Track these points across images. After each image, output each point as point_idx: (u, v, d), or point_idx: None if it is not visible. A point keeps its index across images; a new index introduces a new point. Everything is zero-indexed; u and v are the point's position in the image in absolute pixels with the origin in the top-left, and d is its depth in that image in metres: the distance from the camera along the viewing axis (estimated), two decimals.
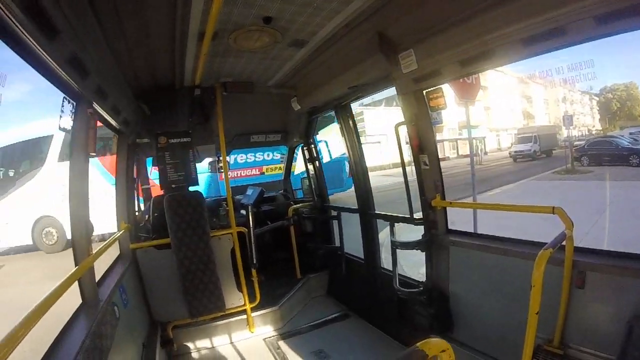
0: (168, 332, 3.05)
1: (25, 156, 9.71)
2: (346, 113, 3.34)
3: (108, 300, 1.99)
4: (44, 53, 1.29)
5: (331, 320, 3.36)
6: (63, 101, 1.76)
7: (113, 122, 2.58)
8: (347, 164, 11.48)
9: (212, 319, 3.15)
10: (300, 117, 3.83)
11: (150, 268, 3.05)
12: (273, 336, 3.21)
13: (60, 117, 1.77)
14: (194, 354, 3.10)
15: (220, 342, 3.18)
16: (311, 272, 3.91)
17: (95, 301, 1.90)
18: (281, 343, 3.08)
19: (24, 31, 1.13)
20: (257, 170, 10.36)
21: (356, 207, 3.42)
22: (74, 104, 1.81)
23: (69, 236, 8.74)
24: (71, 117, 1.82)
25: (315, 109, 3.65)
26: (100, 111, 2.12)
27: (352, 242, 3.61)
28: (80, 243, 1.88)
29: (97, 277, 2.09)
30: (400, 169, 2.78)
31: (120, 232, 2.88)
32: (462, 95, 5.54)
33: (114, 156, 9.25)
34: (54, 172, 9.40)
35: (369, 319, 3.23)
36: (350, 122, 3.36)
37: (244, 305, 3.19)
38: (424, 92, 2.28)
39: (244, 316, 3.22)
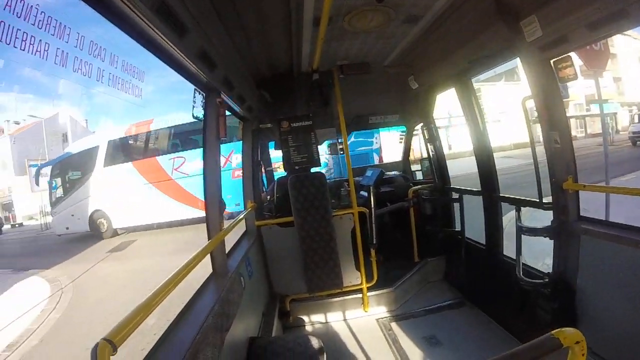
0: (286, 305, 3.38)
1: (85, 163, 12.93)
2: (467, 89, 3.29)
3: (236, 271, 2.24)
4: (177, 50, 1.48)
5: (445, 307, 3.41)
6: (194, 93, 2.03)
7: (238, 110, 2.93)
8: (375, 156, 12.93)
9: (329, 295, 3.42)
10: (418, 95, 3.89)
11: (273, 244, 3.40)
12: (386, 317, 3.35)
13: (193, 107, 2.04)
14: (308, 327, 3.38)
15: (334, 318, 3.43)
16: (429, 256, 3.95)
17: (224, 271, 2.15)
18: (393, 325, 3.20)
19: (158, 32, 1.32)
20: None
21: (477, 189, 3.41)
22: (204, 94, 2.07)
23: (114, 226, 11.51)
24: (202, 107, 2.08)
25: (434, 87, 3.70)
26: (227, 100, 2.38)
27: (471, 226, 3.63)
28: (213, 219, 2.13)
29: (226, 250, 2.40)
30: (522, 151, 2.68)
31: (248, 211, 3.24)
32: (590, 64, 4.78)
33: (146, 160, 10.69)
34: (101, 175, 12.49)
35: (484, 309, 3.24)
36: (472, 99, 3.30)
37: (361, 284, 3.39)
38: (551, 61, 2.16)
39: (360, 295, 3.42)
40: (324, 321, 3.41)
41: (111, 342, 0.90)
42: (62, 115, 32.49)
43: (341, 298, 3.42)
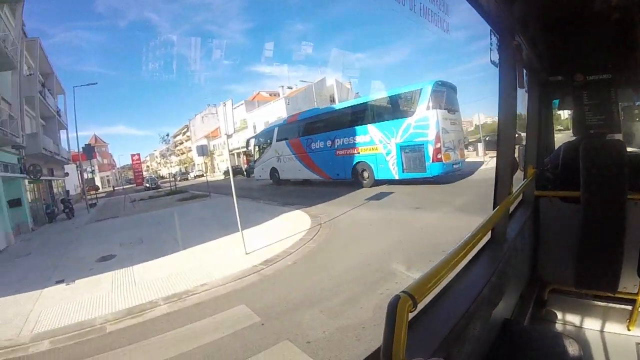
0: (544, 294, 2.85)
1: (270, 137, 21.60)
2: None
3: (512, 243, 2.05)
4: None
5: None
6: (490, 35, 1.90)
7: (530, 57, 2.54)
8: (429, 147, 12.43)
9: (594, 296, 2.71)
10: None
11: (550, 220, 2.90)
12: None
13: (490, 50, 1.93)
14: (558, 326, 2.79)
15: (589, 325, 2.74)
16: None
17: (503, 240, 2.01)
18: None
19: None
20: (356, 150, 15.22)
21: None
22: (498, 37, 1.88)
23: (281, 177, 22.31)
24: (497, 50, 1.92)
25: None
26: (521, 44, 2.12)
27: None
28: (504, 180, 1.98)
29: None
30: None
31: (529, 178, 2.84)
32: None
33: (294, 139, 20.44)
34: (275, 146, 20.87)
35: None
36: None
37: (637, 294, 2.55)
38: None
39: (629, 307, 2.60)
40: (577, 325, 2.75)
41: (412, 298, 0.83)
42: (329, 79, 40.87)
43: (606, 304, 2.65)
